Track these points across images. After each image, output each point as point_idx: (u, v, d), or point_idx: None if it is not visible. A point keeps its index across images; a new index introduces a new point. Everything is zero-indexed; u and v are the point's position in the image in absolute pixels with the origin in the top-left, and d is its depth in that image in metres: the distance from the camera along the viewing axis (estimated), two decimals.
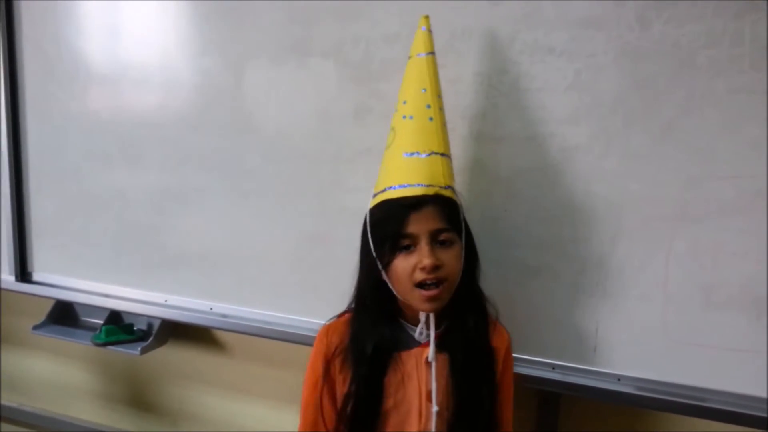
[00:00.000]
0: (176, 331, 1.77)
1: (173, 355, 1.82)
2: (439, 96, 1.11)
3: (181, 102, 1.53)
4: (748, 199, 1.15)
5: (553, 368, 1.31)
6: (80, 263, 1.68)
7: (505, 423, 1.17)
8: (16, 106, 1.68)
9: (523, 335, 1.30)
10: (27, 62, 1.67)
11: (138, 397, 1.93)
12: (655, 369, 1.25)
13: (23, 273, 1.71)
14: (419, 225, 1.00)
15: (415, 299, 1.02)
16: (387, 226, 1.03)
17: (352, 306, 1.14)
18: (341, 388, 1.10)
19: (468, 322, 1.09)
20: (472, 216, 1.28)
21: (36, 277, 1.73)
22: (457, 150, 1.25)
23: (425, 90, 1.09)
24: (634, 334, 1.25)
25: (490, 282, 1.28)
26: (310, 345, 1.29)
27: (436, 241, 1.01)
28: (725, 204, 1.17)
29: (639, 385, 1.26)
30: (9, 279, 1.72)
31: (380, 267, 1.04)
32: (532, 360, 1.32)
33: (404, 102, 1.10)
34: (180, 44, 1.51)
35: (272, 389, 1.72)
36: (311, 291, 1.45)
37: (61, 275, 1.70)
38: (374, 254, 1.04)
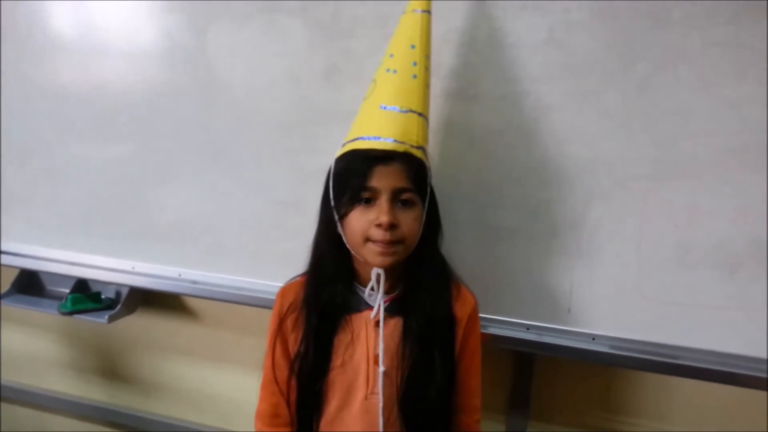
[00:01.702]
0: (146, 300, 1.74)
1: (144, 324, 1.79)
2: (427, 56, 1.08)
3: (146, 69, 1.47)
4: (722, 157, 1.15)
5: (528, 329, 1.31)
6: (48, 233, 1.62)
7: (470, 393, 1.14)
8: None
9: (497, 296, 1.30)
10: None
11: (109, 367, 1.89)
12: (629, 328, 1.25)
13: None
14: (383, 180, 0.98)
15: (368, 253, 1.00)
16: (350, 176, 1.00)
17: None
18: (293, 345, 1.10)
19: (424, 286, 1.07)
20: (445, 177, 1.27)
21: (3, 246, 1.67)
22: (429, 110, 1.22)
23: (414, 47, 1.06)
24: (608, 294, 1.25)
25: (464, 244, 1.29)
26: None
27: (397, 199, 0.99)
28: (699, 163, 1.16)
29: (613, 344, 1.26)
30: None
31: (336, 219, 1.02)
32: (507, 321, 1.31)
33: (391, 55, 1.07)
34: (144, 8, 1.45)
35: (244, 355, 1.71)
36: (282, 257, 1.41)
37: (28, 244, 1.65)
38: (332, 203, 1.03)
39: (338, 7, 1.29)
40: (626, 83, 1.17)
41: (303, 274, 1.13)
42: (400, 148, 0.99)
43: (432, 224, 1.07)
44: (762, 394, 1.24)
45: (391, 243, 0.98)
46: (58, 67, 1.55)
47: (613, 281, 1.24)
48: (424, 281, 1.07)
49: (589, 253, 1.24)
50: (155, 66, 1.46)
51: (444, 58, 1.25)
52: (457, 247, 1.23)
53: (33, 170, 1.62)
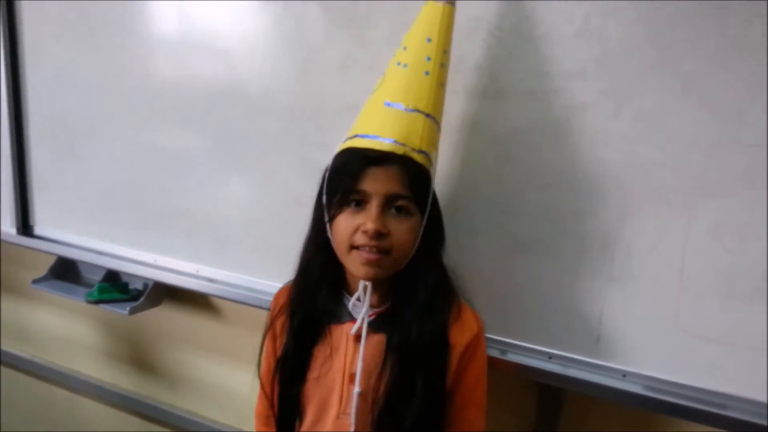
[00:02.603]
0: (172, 294, 1.73)
1: (170, 317, 1.79)
2: (445, 51, 0.98)
3: (164, 58, 1.45)
4: None
5: (550, 358, 1.16)
6: (77, 219, 1.65)
7: (466, 423, 1.01)
8: (16, 61, 1.65)
9: (515, 317, 1.17)
10: (25, 15, 1.63)
11: (138, 357, 1.91)
12: (666, 366, 1.07)
13: (25, 226, 1.70)
14: (376, 184, 0.89)
15: (352, 262, 0.92)
16: (342, 176, 0.92)
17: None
18: (280, 349, 1.05)
19: (415, 303, 0.96)
20: (462, 179, 1.17)
21: (37, 230, 1.72)
22: (447, 107, 1.10)
23: (430, 40, 0.96)
24: (643, 325, 1.08)
25: (480, 254, 1.17)
26: None
27: (390, 206, 0.90)
28: (756, 175, 0.97)
29: (648, 384, 1.09)
30: (10, 231, 1.71)
31: (326, 220, 0.94)
32: (525, 347, 1.17)
33: (404, 48, 0.98)
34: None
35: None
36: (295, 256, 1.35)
37: (61, 230, 1.68)
38: (324, 202, 0.95)
39: None
40: (670, 79, 1.00)
41: None
42: (399, 150, 0.89)
43: (432, 236, 0.97)
44: None
45: (377, 252, 0.89)
46: (83, 53, 1.56)
47: (648, 310, 1.06)
48: (416, 297, 0.96)
49: (621, 275, 1.08)
50: (173, 55, 1.44)
51: (465, 50, 1.12)
52: (473, 257, 1.12)
53: (60, 156, 1.65)
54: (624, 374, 1.10)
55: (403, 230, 0.90)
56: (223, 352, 1.76)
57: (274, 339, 1.07)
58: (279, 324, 1.05)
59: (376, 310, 0.98)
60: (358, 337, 0.97)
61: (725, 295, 1.01)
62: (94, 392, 1.99)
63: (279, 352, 1.04)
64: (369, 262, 0.90)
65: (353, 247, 0.90)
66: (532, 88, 1.09)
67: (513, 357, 1.17)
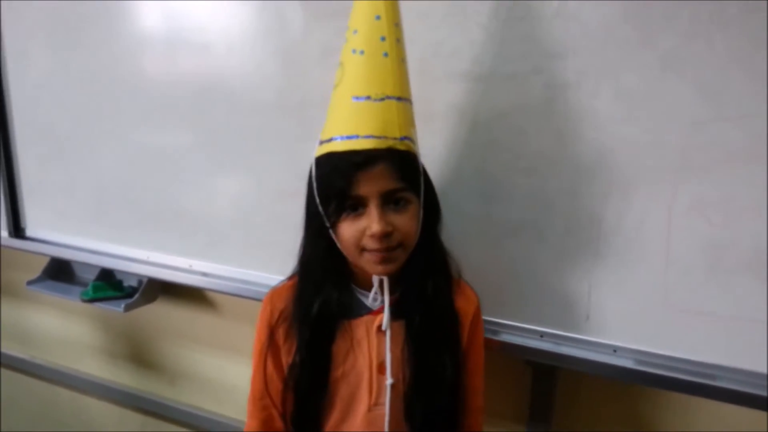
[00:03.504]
0: (167, 289, 1.74)
1: (167, 313, 1.80)
2: (396, 24, 0.91)
3: (147, 56, 1.45)
4: (761, 143, 0.96)
5: (542, 336, 1.17)
6: (69, 220, 1.65)
7: (474, 394, 1.06)
8: None
9: (506, 299, 1.18)
10: (5, 18, 1.62)
11: (137, 354, 1.93)
12: (655, 340, 1.09)
13: (17, 229, 1.71)
14: (369, 186, 0.87)
15: (366, 262, 0.91)
16: (333, 184, 0.89)
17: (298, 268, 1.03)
18: (287, 357, 1.01)
19: (427, 283, 0.97)
20: (446, 167, 1.16)
21: (29, 232, 1.72)
22: (429, 93, 1.12)
23: (379, 17, 0.89)
24: (631, 301, 1.09)
25: (468, 239, 1.17)
26: None
27: (389, 201, 0.89)
28: (736, 150, 0.97)
29: (638, 358, 1.10)
30: (3, 235, 1.73)
31: (327, 224, 0.92)
32: (517, 326, 1.18)
33: (354, 31, 0.91)
34: None
35: None
36: (285, 248, 1.34)
37: (54, 231, 1.68)
38: (321, 210, 0.92)
39: None
40: (649, 57, 1.00)
41: (290, 278, 1.05)
42: (382, 145, 0.87)
43: (431, 214, 0.97)
44: None
45: (389, 249, 0.89)
46: (67, 53, 1.56)
47: (636, 286, 1.08)
48: (424, 276, 0.97)
49: (608, 252, 1.09)
50: (156, 54, 1.44)
51: (444, 35, 1.13)
52: (461, 243, 1.11)
53: (49, 157, 1.65)
54: (615, 349, 1.12)
55: (406, 221, 0.90)
56: (220, 346, 1.77)
57: (276, 349, 1.02)
58: (282, 331, 1.01)
59: (392, 297, 0.97)
60: (379, 326, 0.96)
61: (711, 268, 1.02)
62: (97, 390, 2.00)
63: (286, 361, 1.01)
64: (383, 260, 0.90)
65: (363, 249, 0.90)
66: (512, 70, 1.09)
67: (506, 337, 1.19)
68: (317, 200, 0.92)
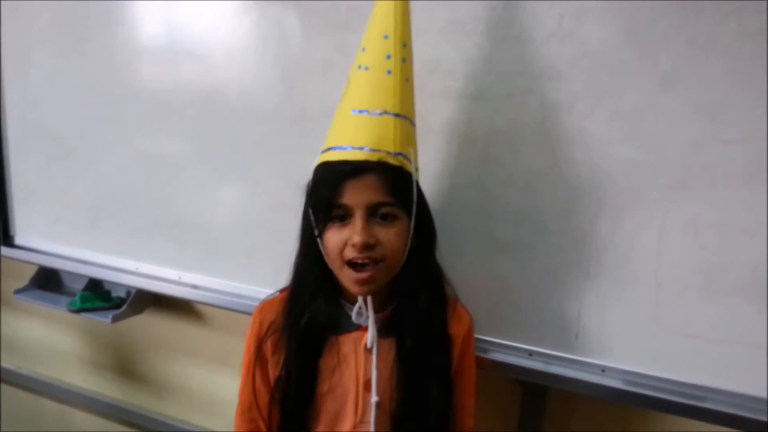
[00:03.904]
0: (156, 301, 1.72)
1: (155, 324, 1.78)
2: (404, 45, 0.95)
3: (147, 65, 1.45)
4: (759, 165, 0.97)
5: (530, 354, 1.17)
6: (59, 228, 1.64)
7: (464, 415, 1.06)
8: None
9: (497, 317, 1.18)
10: (4, 22, 1.62)
11: (124, 366, 1.90)
12: (644, 361, 1.09)
13: (5, 236, 1.69)
14: (356, 196, 0.88)
15: (346, 279, 0.92)
16: (321, 192, 0.91)
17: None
18: (274, 369, 1.00)
19: (420, 303, 0.97)
20: (440, 183, 1.17)
21: (18, 240, 1.71)
22: (425, 109, 1.11)
23: (387, 37, 0.94)
24: (621, 321, 1.09)
25: (461, 256, 1.17)
26: None
27: (375, 215, 0.89)
28: (732, 172, 0.98)
29: (627, 379, 1.10)
30: None
31: (316, 234, 0.93)
32: (507, 345, 1.18)
33: (363, 49, 0.96)
34: (146, 3, 1.42)
35: None
36: (279, 261, 1.33)
37: (44, 239, 1.67)
38: (311, 217, 0.94)
39: None
40: (645, 78, 1.01)
41: (282, 290, 1.05)
42: (373, 157, 0.88)
43: (424, 234, 0.96)
44: None
45: (370, 264, 0.89)
46: (64, 61, 1.56)
47: (626, 306, 1.08)
48: (417, 298, 0.97)
49: (599, 272, 1.09)
50: (156, 63, 1.44)
51: (442, 53, 1.14)
52: (454, 260, 1.11)
53: (43, 165, 1.64)
54: (603, 369, 1.12)
55: (391, 236, 0.89)
56: (209, 358, 1.75)
57: (263, 362, 1.02)
58: (270, 343, 1.01)
59: (381, 314, 0.98)
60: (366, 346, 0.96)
61: (702, 291, 1.03)
62: (83, 402, 1.97)
63: (273, 374, 1.01)
64: (360, 282, 0.90)
65: (346, 262, 0.90)
66: (508, 89, 1.11)
67: (495, 355, 1.19)
68: (310, 210, 0.94)
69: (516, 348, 1.17)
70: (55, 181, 1.63)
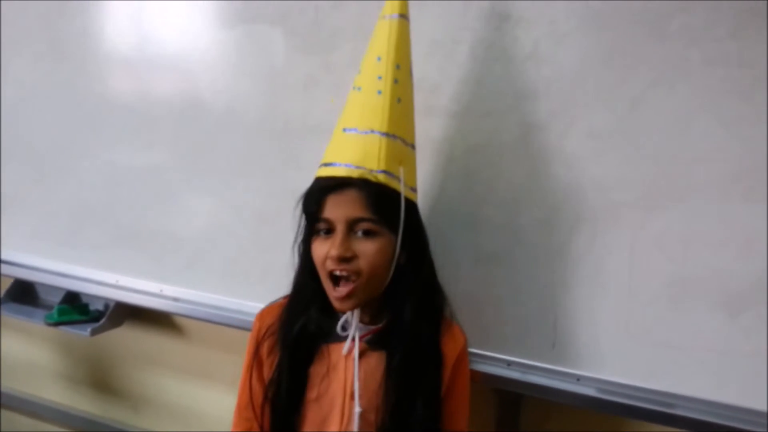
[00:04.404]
0: (135, 314, 1.71)
1: (133, 338, 1.77)
2: (397, 66, 0.98)
3: (128, 77, 1.47)
4: (723, 183, 1.04)
5: (509, 365, 1.20)
6: (36, 241, 1.63)
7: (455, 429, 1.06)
8: None
9: (474, 327, 1.19)
10: None
11: (100, 379, 1.88)
12: (617, 369, 1.13)
13: None
14: (336, 210, 0.92)
15: (329, 294, 0.95)
16: (307, 206, 0.96)
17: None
18: (269, 371, 1.04)
19: (407, 319, 0.99)
20: (421, 198, 1.19)
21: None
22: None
23: (380, 59, 0.98)
24: (594, 331, 1.14)
25: (440, 269, 1.19)
26: None
27: (356, 230, 0.92)
28: (697, 189, 1.05)
29: (600, 387, 1.14)
30: None
31: (303, 246, 0.99)
32: (485, 355, 1.21)
33: (359, 71, 1.01)
34: (126, 15, 1.45)
35: (231, 375, 1.66)
36: (261, 275, 1.37)
37: (20, 252, 1.65)
38: (301, 228, 0.99)
39: (318, 18, 1.25)
40: (616, 100, 1.08)
41: (285, 297, 1.08)
42: (355, 173, 0.91)
43: (414, 252, 0.99)
44: None
45: (350, 278, 0.92)
46: (40, 73, 1.57)
47: (599, 316, 1.13)
48: (404, 313, 0.99)
49: (574, 283, 1.14)
50: (138, 74, 1.46)
51: (424, 72, 1.17)
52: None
53: (20, 177, 1.64)
54: (578, 378, 1.16)
55: (370, 252, 0.92)
56: (188, 371, 1.75)
57: (260, 364, 1.06)
58: (267, 346, 1.05)
59: (373, 327, 1.01)
60: (360, 352, 0.99)
61: (670, 301, 1.08)
62: (56, 417, 1.94)
63: (267, 375, 1.04)
64: (338, 299, 0.93)
65: (329, 274, 0.93)
66: (488, 108, 1.16)
67: (475, 366, 1.21)
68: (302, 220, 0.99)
69: (495, 358, 1.21)
70: (31, 192, 1.62)
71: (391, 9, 1.00)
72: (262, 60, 1.32)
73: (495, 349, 1.21)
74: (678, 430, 1.12)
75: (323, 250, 0.93)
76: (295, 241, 1.02)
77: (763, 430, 1.04)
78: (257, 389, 1.05)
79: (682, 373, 1.09)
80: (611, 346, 1.13)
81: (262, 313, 1.09)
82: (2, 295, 1.72)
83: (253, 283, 1.38)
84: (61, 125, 1.56)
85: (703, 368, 1.08)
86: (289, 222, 1.19)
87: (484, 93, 1.16)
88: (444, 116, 1.19)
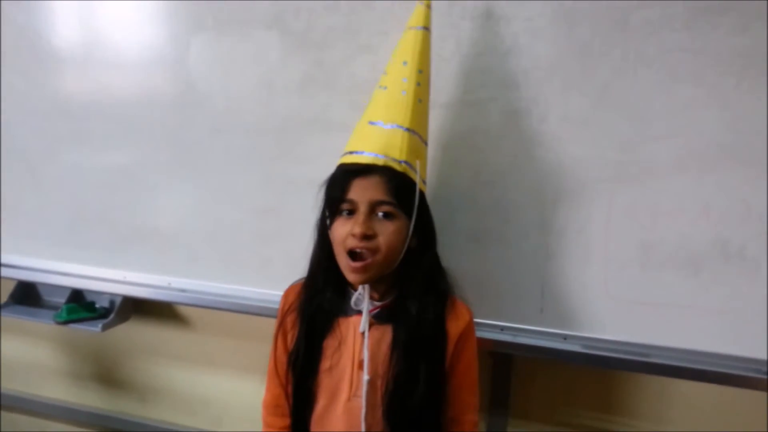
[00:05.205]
0: (139, 308, 1.78)
1: (138, 331, 1.84)
2: (420, 71, 1.11)
3: (127, 78, 1.52)
4: (682, 159, 1.18)
5: (502, 330, 1.33)
6: (39, 243, 1.67)
7: (462, 404, 1.14)
8: None
9: (470, 298, 1.30)
10: None
11: (105, 374, 1.94)
12: (599, 327, 1.28)
13: None
14: (361, 193, 1.02)
15: (344, 268, 1.05)
16: (332, 189, 1.06)
17: None
18: (291, 343, 1.15)
19: (414, 297, 1.08)
20: None
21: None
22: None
23: (406, 63, 1.11)
24: (577, 294, 1.28)
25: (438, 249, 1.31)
26: (267, 316, 1.37)
27: (377, 211, 1.02)
28: (660, 165, 1.20)
29: (585, 344, 1.29)
30: None
31: (328, 226, 1.08)
32: (481, 323, 1.33)
33: (385, 73, 1.13)
34: (124, 19, 1.50)
35: (235, 360, 1.75)
36: (264, 263, 1.47)
37: (22, 255, 1.70)
38: (325, 215, 1.09)
39: (312, 20, 1.34)
40: (588, 87, 1.21)
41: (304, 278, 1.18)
42: (380, 161, 1.02)
43: (423, 237, 1.09)
44: (733, 390, 1.24)
45: (366, 255, 1.01)
46: (37, 75, 1.61)
47: (581, 281, 1.27)
48: (412, 291, 1.09)
49: (557, 254, 1.28)
50: (139, 77, 1.51)
51: None
52: None
53: (19, 180, 1.68)
54: (565, 337, 1.30)
55: (389, 232, 1.02)
56: (194, 360, 1.82)
57: (285, 334, 1.17)
58: (290, 320, 1.15)
59: (381, 303, 1.10)
60: (368, 327, 1.08)
61: (641, 264, 1.23)
62: (63, 414, 1.99)
63: (290, 346, 1.15)
64: (354, 270, 1.02)
65: (348, 251, 1.02)
66: (472, 99, 1.27)
67: None
68: (323, 207, 1.09)
69: (489, 325, 1.33)
70: (34, 195, 1.66)
71: (416, 21, 1.14)
72: (258, 60, 1.40)
73: (490, 316, 1.33)
74: (653, 375, 1.29)
75: (345, 228, 1.02)
76: (318, 224, 1.11)
77: (722, 370, 1.20)
78: (282, 358, 1.16)
79: (654, 326, 1.24)
80: (593, 307, 1.27)
81: (287, 292, 1.19)
82: (6, 298, 1.75)
83: (255, 269, 1.48)
84: (55, 127, 1.61)
85: (672, 321, 1.23)
86: (289, 212, 1.29)
87: (469, 85, 1.27)
88: (433, 108, 1.28)
